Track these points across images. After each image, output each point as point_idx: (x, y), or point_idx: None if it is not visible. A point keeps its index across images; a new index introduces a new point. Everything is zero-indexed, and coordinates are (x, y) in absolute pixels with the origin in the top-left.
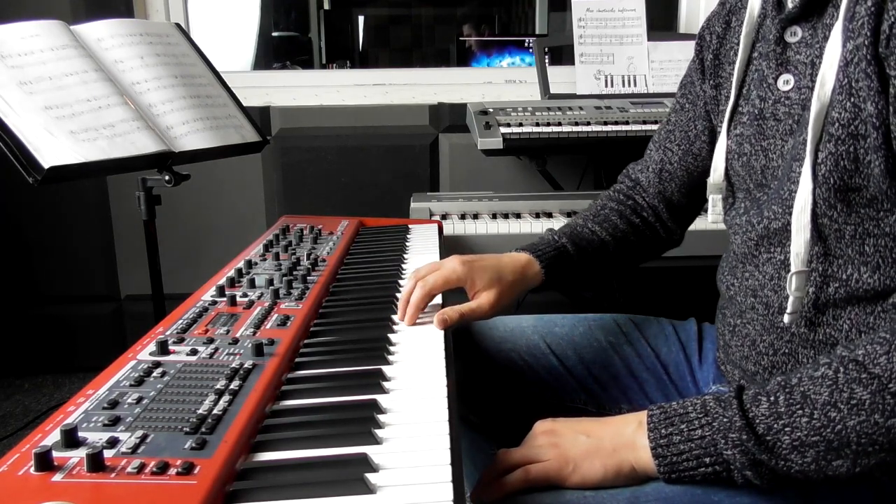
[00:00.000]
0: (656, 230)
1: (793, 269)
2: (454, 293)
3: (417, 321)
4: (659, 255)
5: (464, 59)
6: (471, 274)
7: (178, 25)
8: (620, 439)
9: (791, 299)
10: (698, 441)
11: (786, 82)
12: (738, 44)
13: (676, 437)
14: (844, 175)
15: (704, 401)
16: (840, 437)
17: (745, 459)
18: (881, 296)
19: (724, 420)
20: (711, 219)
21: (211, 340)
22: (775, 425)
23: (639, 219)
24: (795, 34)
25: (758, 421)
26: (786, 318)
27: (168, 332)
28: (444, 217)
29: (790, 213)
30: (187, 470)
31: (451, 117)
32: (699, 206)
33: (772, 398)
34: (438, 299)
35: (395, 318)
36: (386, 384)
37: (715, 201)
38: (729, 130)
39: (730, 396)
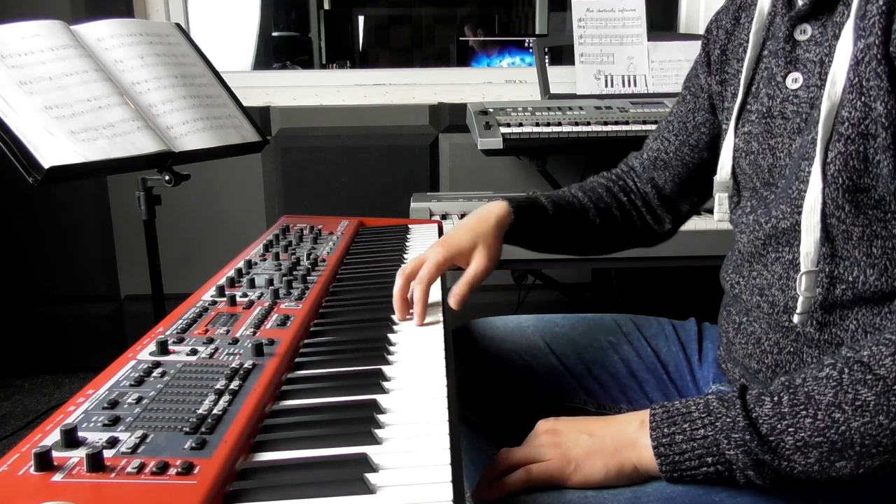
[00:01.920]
0: (643, 215)
1: (802, 268)
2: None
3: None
4: (650, 243)
5: (464, 59)
6: (451, 249)
7: (178, 25)
8: (622, 438)
9: (801, 299)
10: (701, 441)
11: (795, 80)
12: (746, 40)
13: (679, 436)
14: (854, 175)
15: (707, 400)
16: (844, 439)
17: (748, 460)
18: (888, 297)
19: (728, 420)
20: (717, 217)
21: (211, 340)
22: (779, 426)
23: (626, 197)
24: (805, 32)
25: (761, 421)
26: (796, 319)
27: (168, 332)
28: (444, 217)
29: (799, 213)
30: (187, 470)
31: (451, 117)
32: (691, 202)
33: (775, 398)
34: (437, 297)
35: (396, 318)
36: (386, 384)
37: (721, 199)
38: (737, 128)
39: (733, 396)
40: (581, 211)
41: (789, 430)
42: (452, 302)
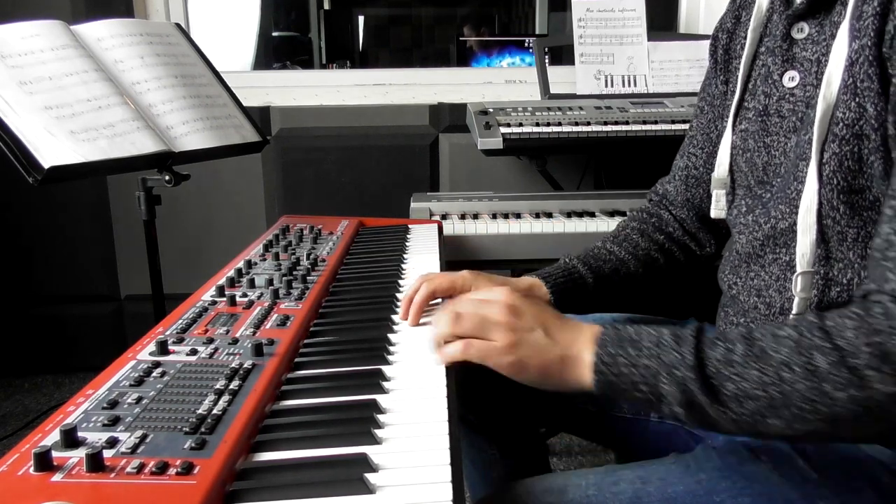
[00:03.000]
0: (685, 244)
1: (798, 269)
2: None
3: (420, 322)
4: (695, 270)
5: (464, 59)
6: (476, 280)
7: (178, 25)
8: (570, 351)
9: (797, 300)
10: (642, 370)
11: (791, 79)
12: (745, 38)
13: (622, 359)
14: (848, 176)
15: (661, 333)
16: (785, 398)
17: (682, 398)
18: None
19: (675, 356)
20: (714, 214)
21: (211, 340)
22: (724, 371)
23: (663, 235)
24: (802, 31)
25: (708, 363)
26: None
27: (168, 332)
28: (444, 217)
29: (797, 213)
30: (187, 470)
31: (451, 117)
32: None
33: (729, 346)
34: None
35: (396, 318)
36: (386, 384)
37: (718, 196)
38: (734, 125)
39: (689, 335)
40: (621, 266)
41: (734, 377)
42: (416, 310)
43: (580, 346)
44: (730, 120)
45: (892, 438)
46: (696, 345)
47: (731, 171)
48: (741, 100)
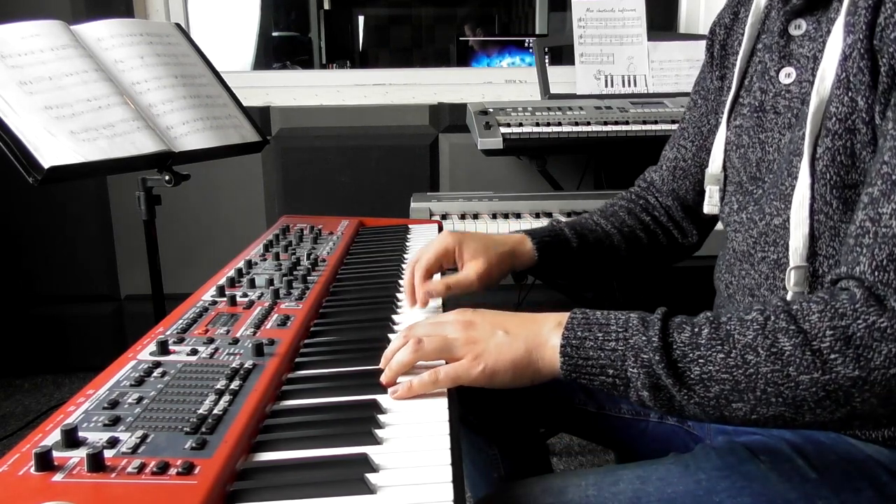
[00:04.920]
0: (669, 231)
1: (791, 264)
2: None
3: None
4: (677, 258)
5: (464, 59)
6: (459, 243)
7: (178, 25)
8: (536, 339)
9: (790, 296)
10: (609, 353)
11: (787, 75)
12: (743, 34)
13: (590, 342)
14: (841, 170)
15: (629, 317)
16: (749, 381)
17: (648, 381)
18: None
19: (642, 339)
20: (707, 210)
21: (211, 340)
22: (691, 354)
23: (649, 217)
24: (800, 27)
25: (675, 346)
26: None
27: (168, 332)
28: (444, 217)
29: (791, 209)
30: (187, 470)
31: (451, 117)
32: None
33: (696, 329)
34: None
35: (396, 318)
36: None
37: (712, 192)
38: (729, 121)
39: (656, 318)
40: (605, 238)
41: (699, 360)
42: (424, 294)
43: (547, 333)
44: (725, 116)
45: (892, 438)
46: (662, 328)
47: (723, 167)
48: (737, 96)
